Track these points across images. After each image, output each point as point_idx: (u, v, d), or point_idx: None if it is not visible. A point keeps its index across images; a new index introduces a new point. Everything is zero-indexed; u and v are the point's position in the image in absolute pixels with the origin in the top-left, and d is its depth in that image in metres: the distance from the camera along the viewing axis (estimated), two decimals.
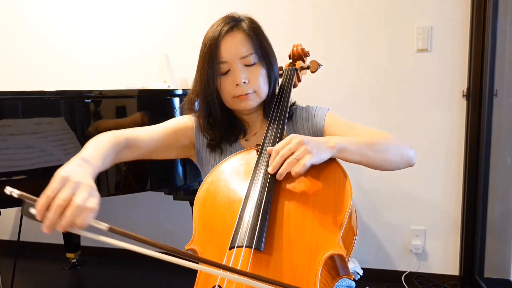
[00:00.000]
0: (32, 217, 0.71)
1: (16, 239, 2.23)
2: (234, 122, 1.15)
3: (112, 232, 0.69)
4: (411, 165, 1.05)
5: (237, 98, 1.07)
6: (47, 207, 0.69)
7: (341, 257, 0.83)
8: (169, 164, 1.85)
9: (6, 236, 3.01)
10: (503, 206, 2.23)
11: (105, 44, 2.69)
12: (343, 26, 2.33)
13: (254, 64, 1.07)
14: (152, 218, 2.72)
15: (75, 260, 2.66)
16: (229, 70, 1.06)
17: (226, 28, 1.06)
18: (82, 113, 1.66)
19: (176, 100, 1.87)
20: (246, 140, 1.17)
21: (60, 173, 0.73)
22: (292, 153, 0.87)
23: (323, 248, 0.81)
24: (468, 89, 2.19)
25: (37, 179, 1.57)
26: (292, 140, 0.90)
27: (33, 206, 0.70)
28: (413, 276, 2.36)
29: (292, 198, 0.89)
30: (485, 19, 2.11)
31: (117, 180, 1.73)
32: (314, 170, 0.93)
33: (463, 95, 2.22)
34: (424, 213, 2.34)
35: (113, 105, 1.74)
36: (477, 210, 2.22)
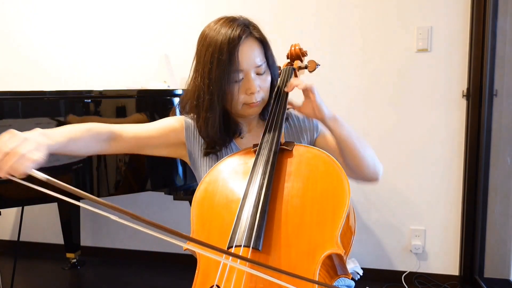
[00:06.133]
0: None
1: (16, 239, 2.23)
2: (230, 124, 1.15)
3: (49, 183, 0.72)
4: (374, 178, 1.13)
5: (247, 105, 1.08)
6: None
7: (339, 256, 0.83)
8: (169, 164, 1.85)
9: (6, 236, 3.02)
10: (503, 206, 2.23)
11: (105, 44, 2.69)
12: (343, 26, 2.33)
13: (264, 73, 1.09)
14: (152, 218, 2.71)
15: (75, 260, 2.66)
16: (243, 78, 1.07)
17: (244, 36, 1.05)
18: (82, 113, 1.66)
19: (176, 100, 1.87)
20: (241, 138, 1.17)
21: (12, 130, 0.78)
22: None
23: (321, 247, 0.81)
24: (468, 89, 2.19)
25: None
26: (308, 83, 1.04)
27: None
28: (413, 276, 2.36)
29: (290, 198, 0.90)
30: (485, 19, 2.11)
31: (117, 180, 1.73)
32: (313, 170, 0.93)
33: (463, 95, 2.22)
34: (424, 213, 2.34)
35: (113, 105, 1.74)
36: (477, 210, 2.22)
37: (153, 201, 2.70)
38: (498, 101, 2.19)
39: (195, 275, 0.86)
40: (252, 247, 0.80)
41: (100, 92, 1.71)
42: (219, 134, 1.11)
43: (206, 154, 1.15)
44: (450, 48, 2.22)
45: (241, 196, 0.91)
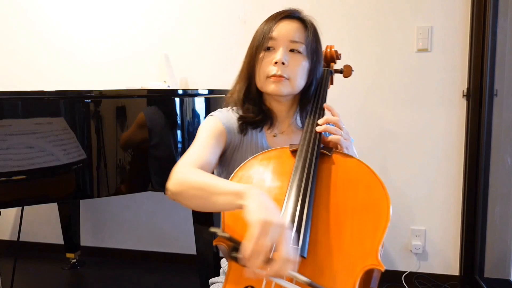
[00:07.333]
0: (236, 260, 0.73)
1: (16, 239, 2.23)
2: (263, 108, 1.13)
3: (312, 286, 0.70)
4: None
5: (270, 78, 1.06)
6: (252, 254, 0.70)
7: (379, 272, 0.82)
8: (169, 164, 1.84)
9: (6, 236, 3.01)
10: (503, 206, 2.23)
11: (105, 44, 2.69)
12: (343, 26, 2.33)
13: (299, 53, 1.08)
14: (152, 218, 2.72)
15: (75, 260, 2.66)
16: (274, 48, 1.07)
17: (288, 13, 1.09)
18: (82, 113, 1.66)
19: (177, 100, 1.87)
20: (274, 136, 1.14)
21: (257, 217, 0.71)
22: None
23: (362, 260, 0.79)
24: (468, 89, 2.19)
25: (37, 179, 1.57)
26: (343, 128, 1.02)
27: (236, 250, 0.73)
28: (413, 276, 2.36)
29: (330, 206, 0.87)
30: (485, 19, 2.11)
31: (117, 180, 1.73)
32: (354, 180, 0.91)
33: (463, 95, 2.22)
34: (424, 213, 2.34)
35: (113, 105, 1.74)
36: (477, 210, 2.22)
37: (153, 201, 2.70)
38: (498, 101, 2.19)
39: (227, 273, 0.84)
40: (299, 255, 0.78)
41: (100, 92, 1.71)
42: (252, 108, 1.11)
43: (240, 131, 1.11)
44: (450, 48, 2.22)
45: (281, 198, 0.87)
